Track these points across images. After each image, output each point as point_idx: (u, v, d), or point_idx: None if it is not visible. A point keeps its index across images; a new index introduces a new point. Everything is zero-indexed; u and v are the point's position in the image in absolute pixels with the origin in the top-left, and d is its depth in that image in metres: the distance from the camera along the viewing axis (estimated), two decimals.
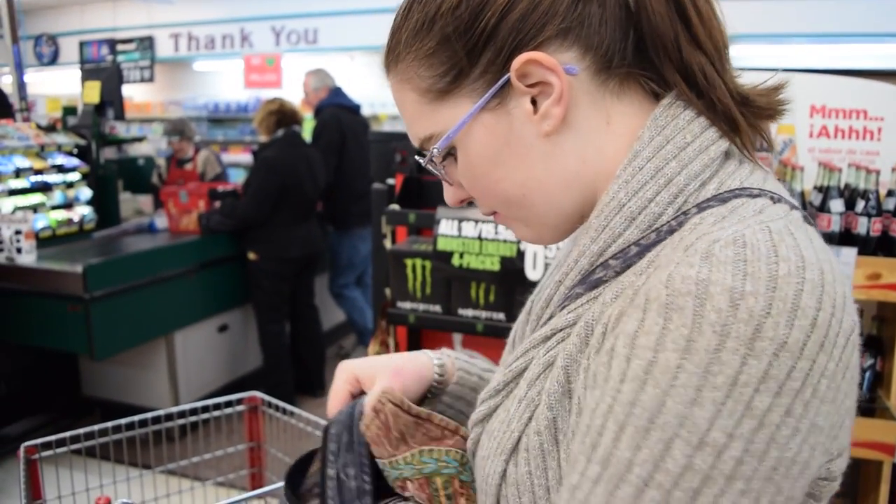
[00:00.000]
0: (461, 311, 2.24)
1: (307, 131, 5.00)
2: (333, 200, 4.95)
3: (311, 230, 4.59)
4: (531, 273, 2.08)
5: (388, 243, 2.41)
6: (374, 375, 0.90)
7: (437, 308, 2.27)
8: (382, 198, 2.41)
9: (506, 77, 0.68)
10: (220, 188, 4.54)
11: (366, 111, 5.36)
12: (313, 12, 8.51)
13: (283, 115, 4.43)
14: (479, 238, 2.13)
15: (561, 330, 0.69)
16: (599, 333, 0.63)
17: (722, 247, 0.55)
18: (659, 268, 0.59)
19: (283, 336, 4.58)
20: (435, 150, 0.73)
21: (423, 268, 2.25)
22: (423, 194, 2.42)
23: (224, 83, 9.91)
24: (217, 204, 4.40)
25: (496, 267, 2.13)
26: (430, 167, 0.77)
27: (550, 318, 0.72)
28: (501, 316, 2.18)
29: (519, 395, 0.71)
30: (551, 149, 0.70)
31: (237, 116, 9.32)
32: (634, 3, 0.67)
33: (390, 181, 2.55)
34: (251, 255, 4.39)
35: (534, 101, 0.68)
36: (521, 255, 2.10)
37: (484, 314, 2.21)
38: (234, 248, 4.43)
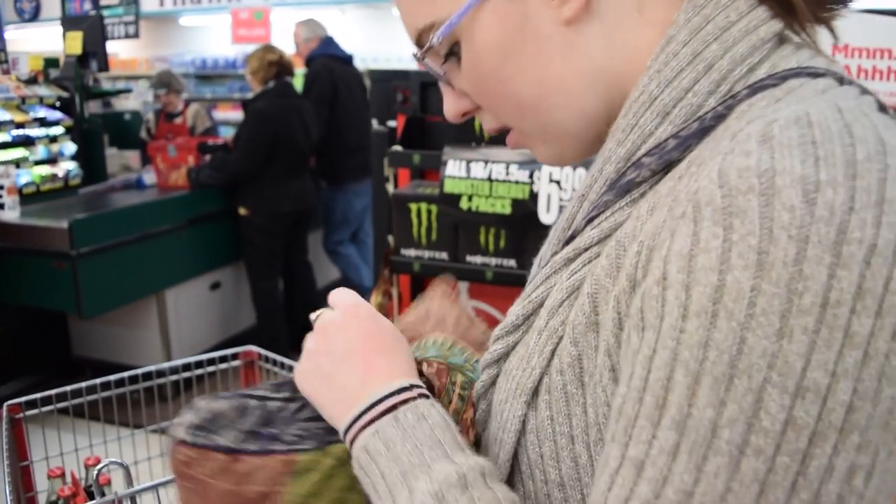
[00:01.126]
0: (469, 258, 2.14)
1: (299, 85, 4.87)
2: (327, 154, 4.83)
3: (305, 185, 4.49)
4: (545, 217, 1.97)
5: (390, 187, 2.30)
6: None
7: (444, 255, 2.18)
8: (383, 140, 2.30)
9: None
10: (210, 142, 4.47)
11: (357, 65, 5.24)
12: None
13: (282, 67, 4.32)
14: (489, 179, 2.02)
15: (587, 249, 0.58)
16: (635, 256, 0.51)
17: (782, 127, 0.45)
18: (702, 164, 0.48)
19: (276, 293, 4.51)
20: (435, 39, 0.61)
21: (429, 212, 2.15)
22: (426, 136, 2.30)
23: (211, 38, 9.75)
24: (207, 158, 4.30)
25: (507, 210, 2.02)
26: (428, 64, 0.65)
27: (573, 237, 0.61)
28: (512, 263, 2.08)
29: (539, 327, 0.60)
30: (573, 38, 0.59)
31: (225, 73, 9.17)
32: None
33: (391, 123, 2.43)
34: (242, 211, 4.30)
35: None
36: (534, 197, 1.98)
37: (494, 261, 2.11)
38: (225, 203, 4.34)
